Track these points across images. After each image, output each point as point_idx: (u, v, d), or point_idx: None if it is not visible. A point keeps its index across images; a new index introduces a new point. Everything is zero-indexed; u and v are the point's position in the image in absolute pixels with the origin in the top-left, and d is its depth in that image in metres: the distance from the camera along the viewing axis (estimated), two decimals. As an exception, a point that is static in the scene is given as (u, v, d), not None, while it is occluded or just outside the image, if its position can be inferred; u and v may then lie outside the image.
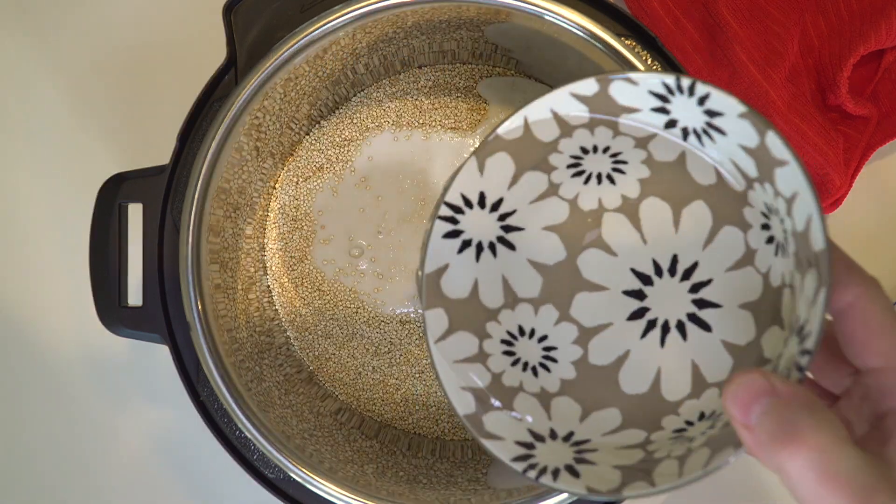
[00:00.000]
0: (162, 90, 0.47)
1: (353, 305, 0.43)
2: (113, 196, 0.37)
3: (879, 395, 0.23)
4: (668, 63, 0.36)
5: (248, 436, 0.35)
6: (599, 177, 0.30)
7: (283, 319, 0.43)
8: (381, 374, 0.43)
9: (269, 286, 0.44)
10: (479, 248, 0.31)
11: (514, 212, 0.31)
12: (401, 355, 0.43)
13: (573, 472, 0.27)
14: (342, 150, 0.44)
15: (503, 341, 0.32)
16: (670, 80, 0.25)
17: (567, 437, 0.29)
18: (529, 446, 0.29)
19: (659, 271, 0.30)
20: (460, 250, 0.31)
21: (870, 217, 0.46)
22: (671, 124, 0.27)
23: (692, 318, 0.29)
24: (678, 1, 0.44)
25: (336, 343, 0.43)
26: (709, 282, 0.28)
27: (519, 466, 0.28)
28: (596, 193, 0.30)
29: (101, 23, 0.48)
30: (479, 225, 0.31)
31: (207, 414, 0.36)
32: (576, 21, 0.35)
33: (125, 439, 0.47)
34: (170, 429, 0.47)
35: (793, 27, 0.44)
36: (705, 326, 0.29)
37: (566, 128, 0.29)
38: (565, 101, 0.27)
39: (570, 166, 0.30)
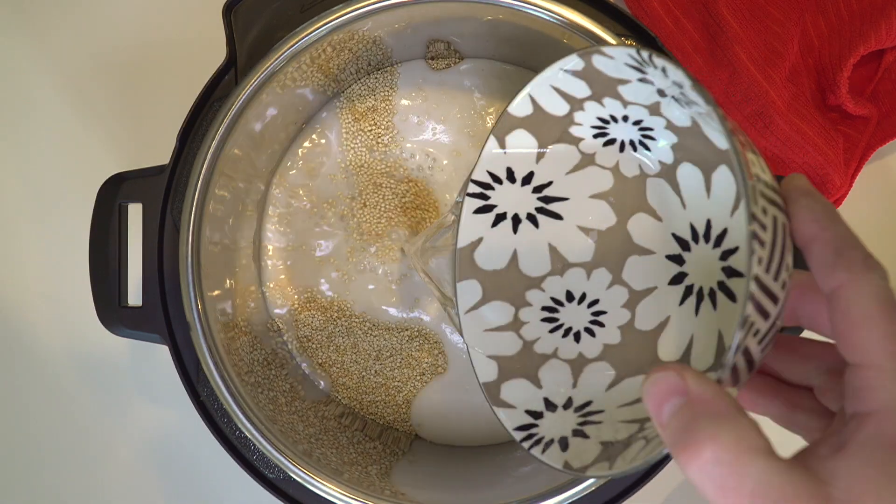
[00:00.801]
0: (162, 90, 0.47)
1: (354, 311, 0.43)
2: (113, 196, 0.37)
3: (850, 395, 0.21)
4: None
5: (248, 436, 0.35)
6: (633, 144, 0.30)
7: (284, 326, 0.43)
8: (384, 377, 0.43)
9: (269, 291, 0.44)
10: (517, 220, 0.32)
11: (550, 183, 0.32)
12: (402, 359, 0.43)
13: (564, 445, 0.28)
14: (344, 149, 0.44)
15: (545, 308, 0.32)
16: (633, 52, 0.25)
17: (581, 407, 0.29)
18: (538, 415, 0.29)
19: (696, 237, 0.30)
20: (494, 224, 0.32)
21: (870, 217, 0.46)
22: (661, 93, 0.27)
23: (721, 286, 0.29)
24: (678, 1, 0.44)
25: (339, 349, 0.43)
26: (735, 250, 0.28)
27: (518, 436, 0.29)
28: (635, 160, 0.31)
29: (101, 23, 0.48)
30: (512, 199, 0.32)
31: (207, 414, 0.36)
32: (576, 21, 0.35)
33: (125, 439, 0.47)
34: (170, 429, 0.47)
35: (793, 27, 0.44)
36: (731, 296, 0.29)
37: (574, 101, 0.29)
38: (561, 77, 0.28)
39: (597, 136, 0.30)
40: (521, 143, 0.31)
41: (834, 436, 0.21)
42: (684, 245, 0.30)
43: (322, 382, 0.43)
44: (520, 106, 0.30)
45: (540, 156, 0.31)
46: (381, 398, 0.43)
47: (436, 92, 0.43)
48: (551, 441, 0.28)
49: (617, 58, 0.26)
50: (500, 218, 0.32)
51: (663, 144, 0.30)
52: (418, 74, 0.44)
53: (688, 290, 0.30)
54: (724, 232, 0.29)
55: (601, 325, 0.31)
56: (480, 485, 0.39)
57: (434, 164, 0.43)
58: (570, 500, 0.34)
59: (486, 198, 0.32)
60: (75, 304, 0.46)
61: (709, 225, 0.29)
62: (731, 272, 0.29)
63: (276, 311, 0.43)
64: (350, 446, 0.41)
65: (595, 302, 0.32)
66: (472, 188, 0.32)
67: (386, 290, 0.43)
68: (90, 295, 0.37)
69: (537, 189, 0.32)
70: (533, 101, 0.30)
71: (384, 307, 0.43)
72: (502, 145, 0.31)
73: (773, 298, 0.21)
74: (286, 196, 0.44)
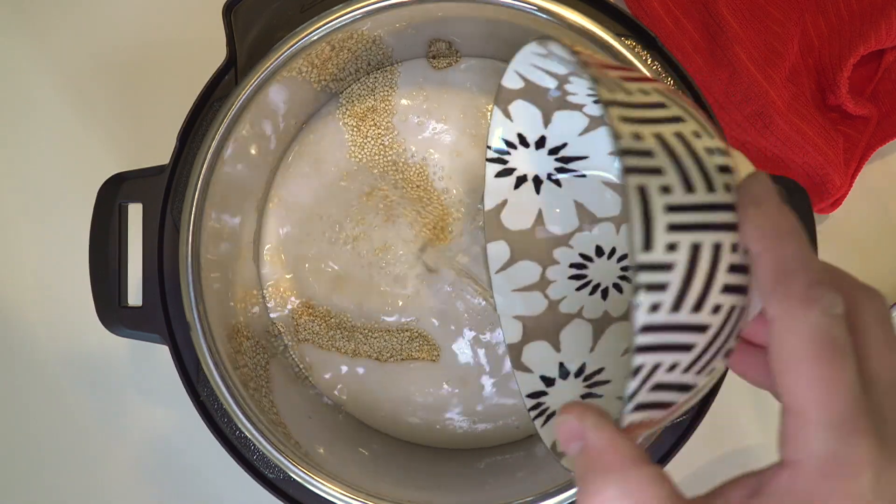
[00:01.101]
0: (162, 90, 0.47)
1: (355, 313, 0.43)
2: (113, 196, 0.37)
3: (779, 437, 0.19)
4: (668, 63, 0.36)
5: (248, 436, 0.35)
6: None
7: (285, 330, 0.43)
8: (384, 378, 0.43)
9: (270, 293, 0.43)
10: (538, 181, 0.34)
11: (564, 145, 0.33)
12: (401, 360, 0.43)
13: None
14: (345, 150, 0.44)
15: (574, 265, 0.33)
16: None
17: (591, 375, 0.30)
18: (550, 383, 0.30)
19: None
20: (516, 186, 0.34)
21: (870, 217, 0.46)
22: None
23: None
24: (678, 1, 0.44)
25: (340, 352, 0.43)
26: None
27: (528, 403, 0.30)
28: None
29: (101, 23, 0.48)
30: (529, 162, 0.33)
31: (207, 414, 0.36)
32: (576, 21, 0.35)
33: (125, 440, 0.47)
34: (170, 429, 0.47)
35: (793, 27, 0.44)
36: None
37: (558, 76, 0.30)
38: (536, 57, 0.29)
39: (597, 101, 0.31)
40: (525, 112, 0.32)
41: (754, 477, 0.20)
42: None
43: (322, 384, 0.43)
44: (510, 80, 0.31)
45: (547, 121, 0.32)
46: (380, 399, 0.43)
47: (437, 91, 0.43)
48: (552, 414, 0.29)
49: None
50: (522, 180, 0.34)
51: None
52: (419, 74, 0.44)
53: None
54: None
55: (629, 280, 0.32)
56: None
57: (436, 165, 0.43)
58: (571, 500, 0.34)
59: (504, 161, 0.33)
60: (75, 304, 0.46)
61: None
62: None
63: (277, 314, 0.43)
64: (350, 448, 0.41)
65: (625, 256, 0.32)
66: (489, 153, 0.33)
67: (386, 291, 0.43)
68: (90, 295, 0.37)
69: (553, 151, 0.33)
70: (520, 76, 0.31)
71: (385, 309, 0.43)
72: (507, 114, 0.32)
73: (698, 329, 0.19)
74: (286, 196, 0.44)
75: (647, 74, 0.25)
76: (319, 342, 0.43)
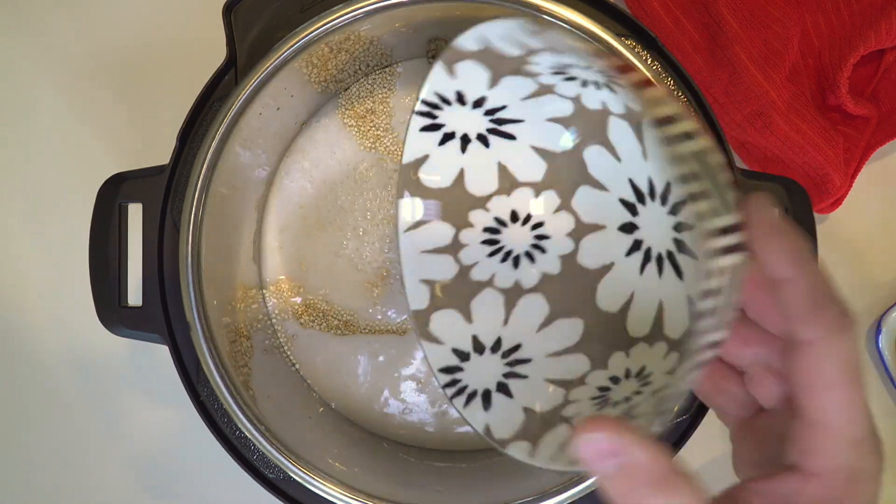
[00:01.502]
0: (162, 90, 0.47)
1: (355, 313, 0.43)
2: (113, 196, 0.37)
3: (798, 448, 0.20)
4: (668, 63, 0.36)
5: (248, 436, 0.35)
6: (597, 84, 0.29)
7: (285, 329, 0.43)
8: (384, 379, 0.43)
9: (268, 293, 0.43)
10: (466, 139, 0.31)
11: (503, 107, 0.31)
12: (403, 360, 0.43)
13: (486, 401, 0.27)
14: (345, 150, 0.44)
15: (487, 229, 0.31)
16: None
17: (509, 352, 0.28)
18: (464, 357, 0.28)
19: (652, 192, 0.28)
20: (441, 142, 0.31)
21: (870, 217, 0.46)
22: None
23: (671, 257, 0.28)
24: (678, 1, 0.44)
25: (341, 353, 0.43)
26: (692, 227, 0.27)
27: (443, 379, 0.28)
28: (598, 97, 0.29)
29: (101, 23, 0.48)
30: (461, 119, 0.31)
31: (207, 414, 0.36)
32: (576, 21, 0.35)
33: (125, 440, 0.47)
34: (170, 429, 0.47)
35: (793, 27, 0.44)
36: (679, 272, 0.27)
37: (527, 49, 0.28)
38: (519, 31, 0.27)
39: (556, 73, 0.29)
40: (472, 71, 0.30)
41: (768, 484, 0.21)
42: (640, 196, 0.29)
43: (319, 387, 0.43)
44: (469, 42, 0.28)
45: (493, 83, 0.30)
46: (379, 402, 0.43)
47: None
48: (475, 393, 0.27)
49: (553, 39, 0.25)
50: (448, 137, 0.31)
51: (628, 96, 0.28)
52: (419, 74, 0.44)
53: (636, 244, 0.29)
54: (682, 202, 0.27)
55: (542, 250, 0.30)
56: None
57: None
58: (571, 500, 0.34)
59: (433, 116, 0.31)
60: (75, 304, 0.46)
61: (668, 186, 0.28)
62: (683, 247, 0.27)
63: (278, 314, 0.43)
64: (348, 451, 0.41)
65: (539, 224, 0.31)
66: (420, 107, 0.30)
67: (388, 293, 0.43)
68: (90, 295, 0.37)
69: (490, 112, 0.31)
70: (485, 40, 0.28)
71: (384, 308, 0.43)
72: (451, 71, 0.30)
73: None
74: (287, 197, 0.44)
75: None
76: (320, 342, 0.43)
